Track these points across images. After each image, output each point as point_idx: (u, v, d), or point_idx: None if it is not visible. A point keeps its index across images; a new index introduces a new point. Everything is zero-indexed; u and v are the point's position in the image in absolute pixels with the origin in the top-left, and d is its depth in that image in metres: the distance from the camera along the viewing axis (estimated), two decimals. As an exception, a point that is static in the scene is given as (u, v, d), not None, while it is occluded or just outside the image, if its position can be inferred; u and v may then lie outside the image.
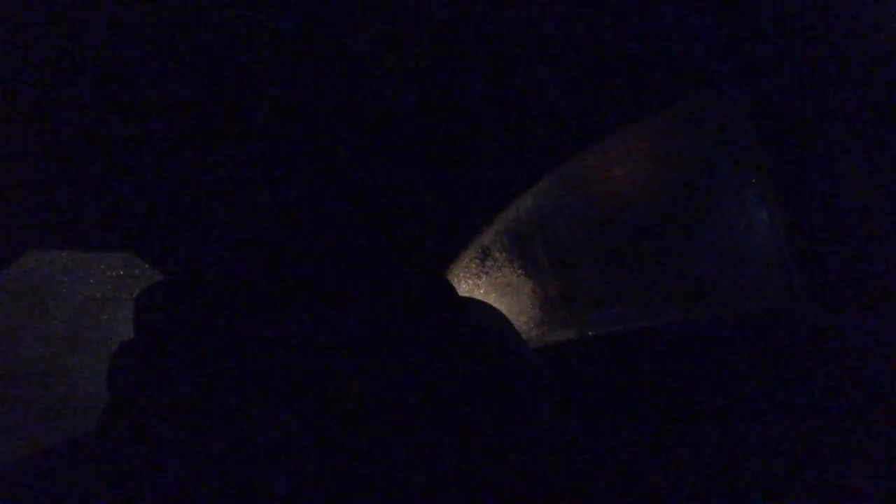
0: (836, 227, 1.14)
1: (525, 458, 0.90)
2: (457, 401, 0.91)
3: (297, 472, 0.86)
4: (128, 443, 0.93)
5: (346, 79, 1.07)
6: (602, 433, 1.24)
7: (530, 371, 1.00)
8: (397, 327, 0.98)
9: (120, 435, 0.94)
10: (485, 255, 1.65)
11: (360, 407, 0.90)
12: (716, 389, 1.25)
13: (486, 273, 1.65)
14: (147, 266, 1.63)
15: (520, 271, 1.65)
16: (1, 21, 0.85)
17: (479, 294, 1.72)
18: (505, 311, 1.12)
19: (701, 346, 1.31)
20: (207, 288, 1.02)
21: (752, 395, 1.21)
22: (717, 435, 1.23)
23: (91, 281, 1.59)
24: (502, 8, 1.02)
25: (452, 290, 1.09)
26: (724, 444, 1.22)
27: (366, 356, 0.94)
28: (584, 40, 1.14)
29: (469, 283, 1.66)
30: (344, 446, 0.87)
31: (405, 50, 1.05)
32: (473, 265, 1.66)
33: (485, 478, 0.87)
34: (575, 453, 0.98)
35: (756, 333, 1.25)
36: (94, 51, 0.92)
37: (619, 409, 1.32)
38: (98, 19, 0.88)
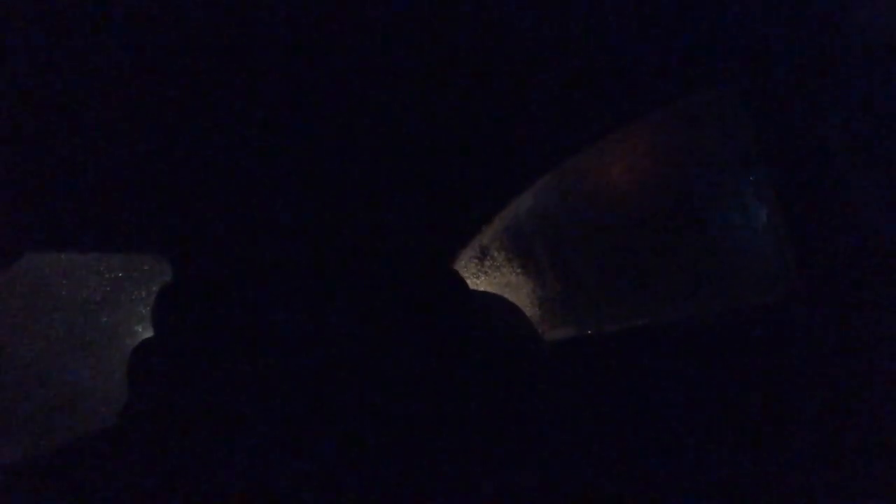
0: (835, 224, 1.14)
1: (539, 454, 0.90)
2: (472, 393, 0.91)
3: (312, 473, 0.86)
4: (134, 443, 0.93)
5: (343, 76, 1.07)
6: (601, 431, 1.24)
7: (545, 362, 1.00)
8: (410, 322, 0.98)
9: (126, 436, 0.94)
10: (483, 254, 1.65)
11: (375, 402, 0.90)
12: (715, 388, 1.25)
13: (485, 273, 1.65)
14: (147, 268, 1.64)
15: (519, 270, 1.65)
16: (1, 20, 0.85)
17: (479, 293, 1.72)
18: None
19: (700, 345, 1.31)
20: (212, 288, 1.02)
21: (751, 393, 1.21)
22: (717, 434, 1.23)
23: (90, 283, 1.60)
24: (501, 5, 1.02)
25: (463, 282, 1.09)
26: (723, 443, 1.22)
27: (379, 351, 0.93)
28: (582, 38, 1.14)
29: (468, 283, 1.66)
30: (360, 441, 0.87)
31: (403, 47, 1.05)
32: (472, 265, 1.66)
33: (498, 473, 0.86)
34: (581, 451, 0.98)
35: (755, 331, 1.25)
36: (89, 50, 0.92)
37: (618, 407, 1.32)
38: (95, 18, 0.88)
